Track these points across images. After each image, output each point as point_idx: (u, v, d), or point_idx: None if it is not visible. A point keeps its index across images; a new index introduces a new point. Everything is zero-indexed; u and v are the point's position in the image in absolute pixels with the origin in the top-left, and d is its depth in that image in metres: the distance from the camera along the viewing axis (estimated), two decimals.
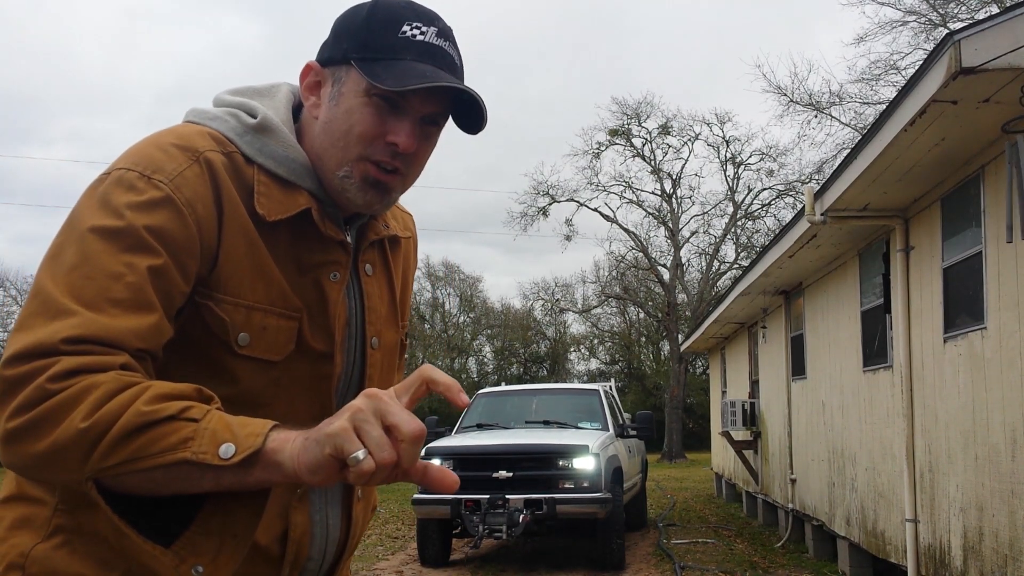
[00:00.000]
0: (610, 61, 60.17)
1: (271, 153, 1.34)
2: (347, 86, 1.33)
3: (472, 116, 1.37)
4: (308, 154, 1.37)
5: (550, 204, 34.60)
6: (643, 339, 43.84)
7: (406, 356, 1.67)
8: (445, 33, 1.36)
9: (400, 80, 1.27)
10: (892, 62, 23.37)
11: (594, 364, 45.33)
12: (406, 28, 1.32)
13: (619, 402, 13.66)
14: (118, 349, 1.15)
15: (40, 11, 65.95)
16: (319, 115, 1.36)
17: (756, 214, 34.42)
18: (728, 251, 35.43)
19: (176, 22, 69.96)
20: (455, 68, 1.36)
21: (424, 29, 1.33)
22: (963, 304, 5.85)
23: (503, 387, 13.73)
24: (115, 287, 1.17)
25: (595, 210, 34.70)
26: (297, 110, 1.44)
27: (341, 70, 1.34)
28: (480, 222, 64.61)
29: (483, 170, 63.10)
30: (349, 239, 1.41)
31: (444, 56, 1.34)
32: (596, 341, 45.52)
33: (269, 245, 1.32)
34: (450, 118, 1.39)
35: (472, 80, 1.42)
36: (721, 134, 34.08)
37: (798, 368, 10.61)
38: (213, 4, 71.05)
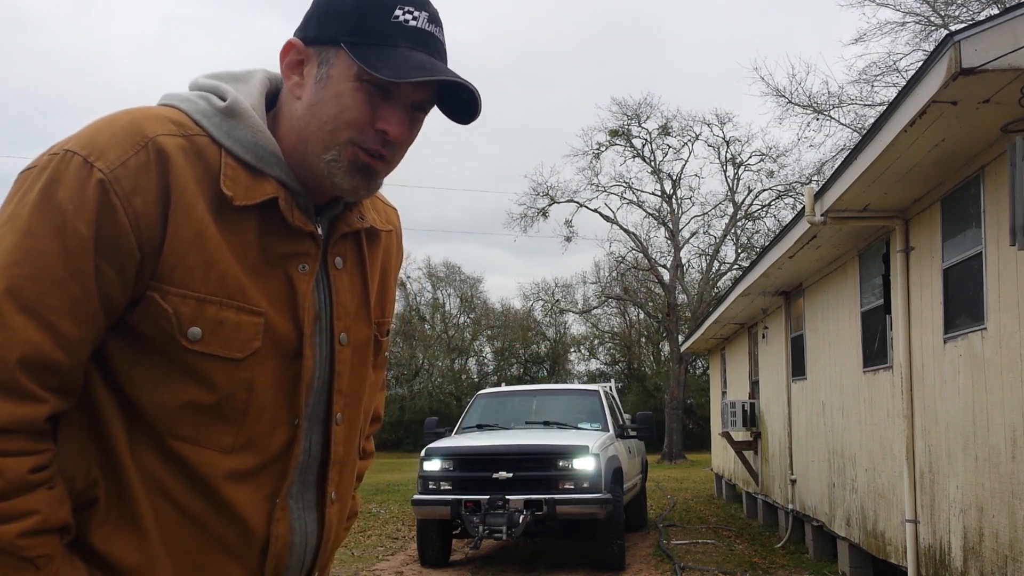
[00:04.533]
0: (613, 63, 60.29)
1: (239, 138, 1.29)
2: (336, 69, 1.28)
3: (463, 106, 1.34)
4: (286, 137, 1.33)
5: (550, 205, 34.61)
6: (643, 340, 43.84)
7: (387, 354, 1.63)
8: (435, 18, 1.33)
9: (398, 71, 1.24)
10: (891, 63, 23.37)
11: (594, 365, 45.40)
12: (399, 12, 1.28)
13: (619, 403, 13.65)
14: (47, 391, 1.18)
15: (70, 17, 66.48)
16: (303, 96, 1.31)
17: (756, 215, 34.42)
18: (728, 252, 35.45)
19: (213, 28, 70.39)
20: (444, 55, 1.34)
21: (416, 14, 1.29)
22: (963, 305, 5.85)
23: (503, 388, 13.72)
24: (57, 295, 1.18)
25: (595, 211, 34.70)
26: (272, 97, 1.39)
27: (329, 51, 1.29)
28: (493, 224, 65.08)
29: (495, 172, 63.49)
30: (320, 230, 1.37)
31: (436, 43, 1.32)
32: (596, 342, 45.55)
33: (233, 234, 1.27)
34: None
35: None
36: (721, 135, 34.09)
37: (798, 369, 10.61)
38: (251, 9, 71.34)
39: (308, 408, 1.36)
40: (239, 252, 1.28)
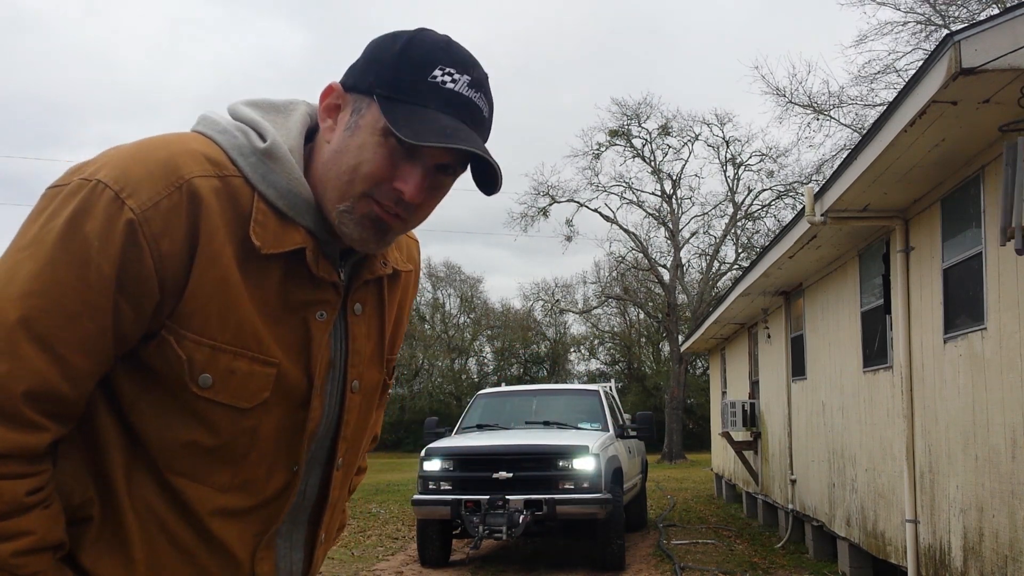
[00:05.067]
0: (614, 63, 60.34)
1: (274, 183, 1.27)
2: (365, 119, 1.26)
3: (488, 175, 1.31)
4: (312, 179, 1.31)
5: (550, 204, 34.63)
6: (643, 340, 43.85)
7: (390, 392, 1.62)
8: (479, 83, 1.29)
9: (418, 133, 1.20)
10: (890, 62, 23.35)
11: (594, 365, 45.43)
12: (437, 73, 1.25)
13: (619, 403, 13.64)
14: (49, 420, 1.18)
15: (72, 18, 66.47)
16: (332, 140, 1.30)
17: (756, 215, 34.42)
18: (728, 252, 35.45)
19: (221, 30, 70.42)
20: (482, 122, 1.30)
21: (456, 77, 1.26)
22: (963, 305, 5.85)
23: (503, 388, 13.71)
24: (71, 329, 1.17)
25: (595, 211, 34.72)
26: (312, 132, 1.37)
27: (363, 101, 1.27)
28: (493, 224, 65.18)
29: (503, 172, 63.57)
30: (342, 276, 1.35)
31: (471, 109, 1.28)
32: (596, 342, 45.57)
33: (256, 281, 1.26)
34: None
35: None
36: (721, 135, 34.10)
37: (798, 369, 10.61)
38: (259, 14, 71.38)
39: (309, 453, 1.37)
40: (259, 300, 1.27)
